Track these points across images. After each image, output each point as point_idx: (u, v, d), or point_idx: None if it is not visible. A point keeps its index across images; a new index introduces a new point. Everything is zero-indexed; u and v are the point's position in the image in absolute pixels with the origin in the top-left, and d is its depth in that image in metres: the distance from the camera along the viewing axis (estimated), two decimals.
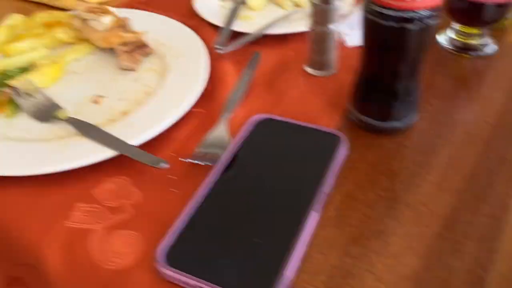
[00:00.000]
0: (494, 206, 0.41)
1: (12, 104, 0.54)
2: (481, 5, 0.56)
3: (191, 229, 0.37)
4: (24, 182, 0.45)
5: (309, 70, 0.59)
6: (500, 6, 0.56)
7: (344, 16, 0.66)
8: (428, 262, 0.37)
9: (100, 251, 0.38)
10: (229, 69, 0.60)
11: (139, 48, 0.60)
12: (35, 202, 0.44)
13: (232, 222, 0.38)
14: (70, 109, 0.53)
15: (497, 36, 0.64)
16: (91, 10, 0.60)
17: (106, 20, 0.59)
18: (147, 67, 0.60)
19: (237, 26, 0.66)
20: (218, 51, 0.61)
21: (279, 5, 0.73)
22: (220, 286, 0.33)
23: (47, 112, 0.52)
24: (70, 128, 0.50)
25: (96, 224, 0.41)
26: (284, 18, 0.67)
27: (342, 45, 0.62)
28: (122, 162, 0.46)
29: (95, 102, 0.55)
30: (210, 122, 0.52)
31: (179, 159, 0.46)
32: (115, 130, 0.48)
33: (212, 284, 0.33)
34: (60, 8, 0.75)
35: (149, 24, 0.65)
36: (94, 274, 0.37)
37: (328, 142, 0.45)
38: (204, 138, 0.49)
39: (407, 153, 0.48)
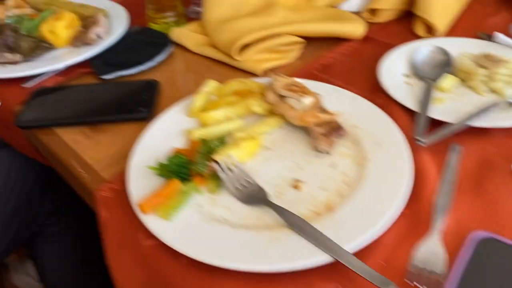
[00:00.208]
0: None
1: (215, 178, 0.55)
2: None
3: None
4: (231, 272, 0.45)
5: None
6: None
7: None
8: None
9: None
10: (429, 163, 0.56)
11: (334, 130, 0.59)
12: None
13: None
14: (270, 191, 0.53)
15: None
16: (290, 89, 0.60)
17: (307, 101, 0.59)
18: (341, 152, 0.59)
19: (433, 112, 0.62)
20: (419, 143, 0.57)
21: (472, 89, 0.68)
22: None
23: (250, 194, 0.53)
24: (276, 217, 0.49)
25: None
26: (485, 109, 0.62)
27: None
28: (335, 265, 0.45)
29: (295, 187, 0.54)
30: (417, 226, 0.49)
31: (404, 279, 0.43)
32: (323, 227, 0.47)
33: None
34: (249, 72, 0.77)
35: (334, 100, 0.64)
36: None
37: None
38: (416, 252, 0.46)
39: None
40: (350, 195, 0.52)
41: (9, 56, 0.82)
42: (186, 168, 0.55)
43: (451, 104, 0.66)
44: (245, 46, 0.79)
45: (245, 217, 0.51)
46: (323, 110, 0.61)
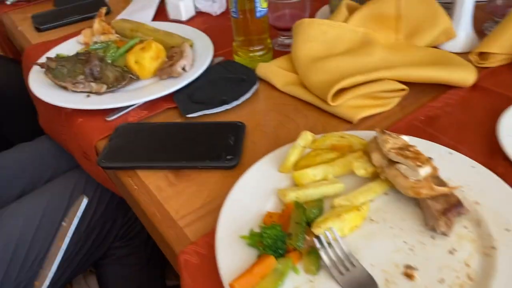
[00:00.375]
0: None
1: (314, 256, 0.48)
2: None
3: None
4: None
5: None
6: None
7: None
8: None
9: None
10: None
11: (453, 206, 0.51)
12: None
13: None
14: (377, 277, 0.46)
15: None
16: (404, 155, 0.53)
17: (423, 172, 0.51)
18: (461, 234, 0.50)
19: None
20: None
21: None
22: None
23: (355, 280, 0.46)
24: None
25: None
26: None
27: None
28: None
29: (407, 275, 0.47)
30: None
31: None
32: None
33: None
34: (342, 119, 0.71)
35: (447, 166, 0.56)
36: None
37: None
38: None
39: None
40: None
41: (94, 86, 0.80)
42: (282, 241, 0.49)
43: None
44: (340, 89, 0.72)
45: None
46: (440, 181, 0.53)
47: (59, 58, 0.84)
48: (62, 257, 0.97)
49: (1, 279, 0.86)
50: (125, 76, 0.82)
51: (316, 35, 0.82)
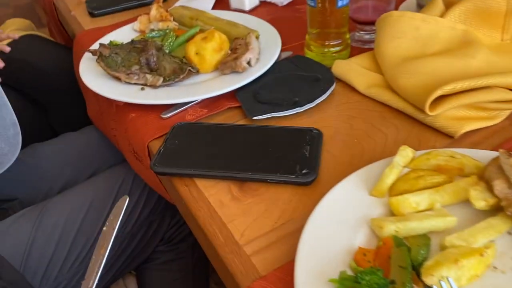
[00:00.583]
0: None
1: None
2: None
3: None
4: None
5: None
6: None
7: None
8: None
9: None
10: None
11: None
12: None
13: None
14: None
15: None
16: None
17: None
18: None
19: None
20: None
21: None
22: None
23: None
24: None
25: None
26: None
27: None
28: None
29: None
30: None
31: None
32: None
33: None
34: (439, 131, 0.59)
35: None
36: None
37: None
38: None
39: None
40: None
41: (150, 78, 0.72)
42: None
43: None
44: (438, 97, 0.60)
45: None
46: None
47: (113, 46, 0.76)
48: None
49: (41, 277, 0.80)
50: (184, 69, 0.73)
51: (406, 31, 0.69)
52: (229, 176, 0.55)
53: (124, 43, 0.80)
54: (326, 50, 0.75)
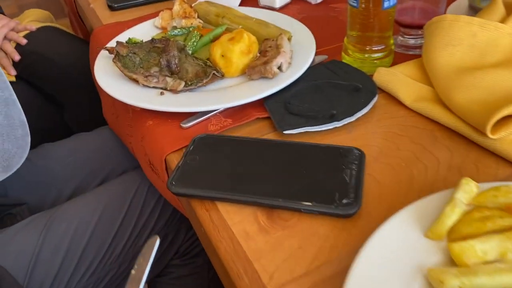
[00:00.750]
0: None
1: None
2: None
3: None
4: None
5: None
6: None
7: None
8: None
9: None
10: None
11: None
12: None
13: None
14: None
15: None
16: None
17: None
18: None
19: None
20: None
21: None
22: None
23: None
24: None
25: None
26: None
27: None
28: None
29: None
30: None
31: None
32: None
33: None
34: (501, 157, 0.50)
35: None
36: None
37: None
38: None
39: None
40: None
41: (170, 82, 0.65)
42: None
43: None
44: (504, 117, 0.51)
45: None
46: None
47: (131, 44, 0.70)
48: (115, 273, 0.85)
49: (49, 286, 0.75)
50: (208, 72, 0.66)
51: (462, 38, 0.61)
52: (257, 202, 0.48)
53: (143, 41, 0.73)
54: (366, 55, 0.67)
